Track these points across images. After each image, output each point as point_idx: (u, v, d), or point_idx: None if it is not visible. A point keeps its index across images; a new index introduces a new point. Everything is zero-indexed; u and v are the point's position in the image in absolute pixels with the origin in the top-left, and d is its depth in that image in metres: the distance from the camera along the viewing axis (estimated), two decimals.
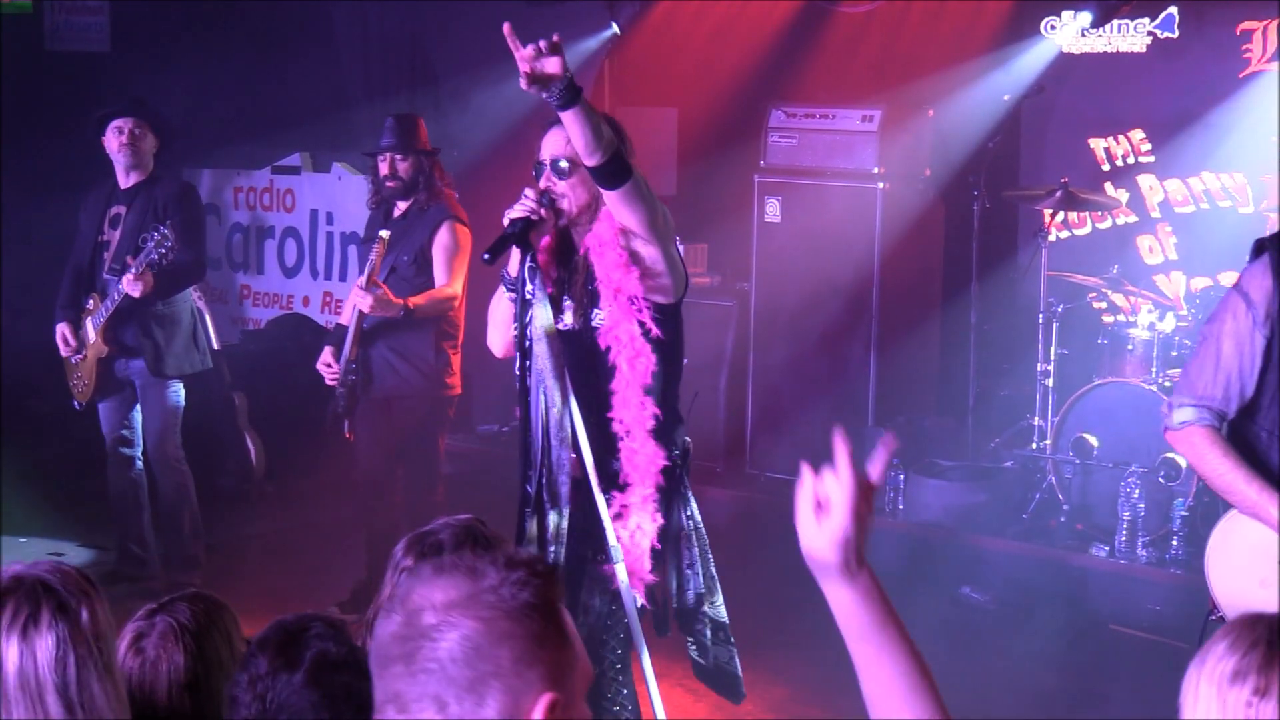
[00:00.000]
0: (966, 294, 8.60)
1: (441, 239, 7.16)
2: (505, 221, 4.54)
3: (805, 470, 2.20)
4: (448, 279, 7.15)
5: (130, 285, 7.12)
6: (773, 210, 8.90)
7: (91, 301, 7.45)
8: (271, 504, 9.15)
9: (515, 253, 4.58)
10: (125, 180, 7.53)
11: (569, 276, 4.75)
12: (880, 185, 8.55)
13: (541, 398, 4.56)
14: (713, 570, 4.90)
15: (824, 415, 8.35)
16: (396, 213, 7.29)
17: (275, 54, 11.29)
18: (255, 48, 11.28)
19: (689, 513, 4.84)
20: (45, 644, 2.53)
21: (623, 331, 4.62)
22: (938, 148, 8.85)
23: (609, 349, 4.63)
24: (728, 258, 9.53)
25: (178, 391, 7.50)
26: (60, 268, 7.74)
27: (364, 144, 11.02)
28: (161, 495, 7.56)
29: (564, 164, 4.67)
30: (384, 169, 7.27)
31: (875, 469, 2.19)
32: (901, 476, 8.17)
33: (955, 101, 8.90)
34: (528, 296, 4.53)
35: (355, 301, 7.00)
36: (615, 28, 9.98)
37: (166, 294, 7.35)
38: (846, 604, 2.15)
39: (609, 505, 4.61)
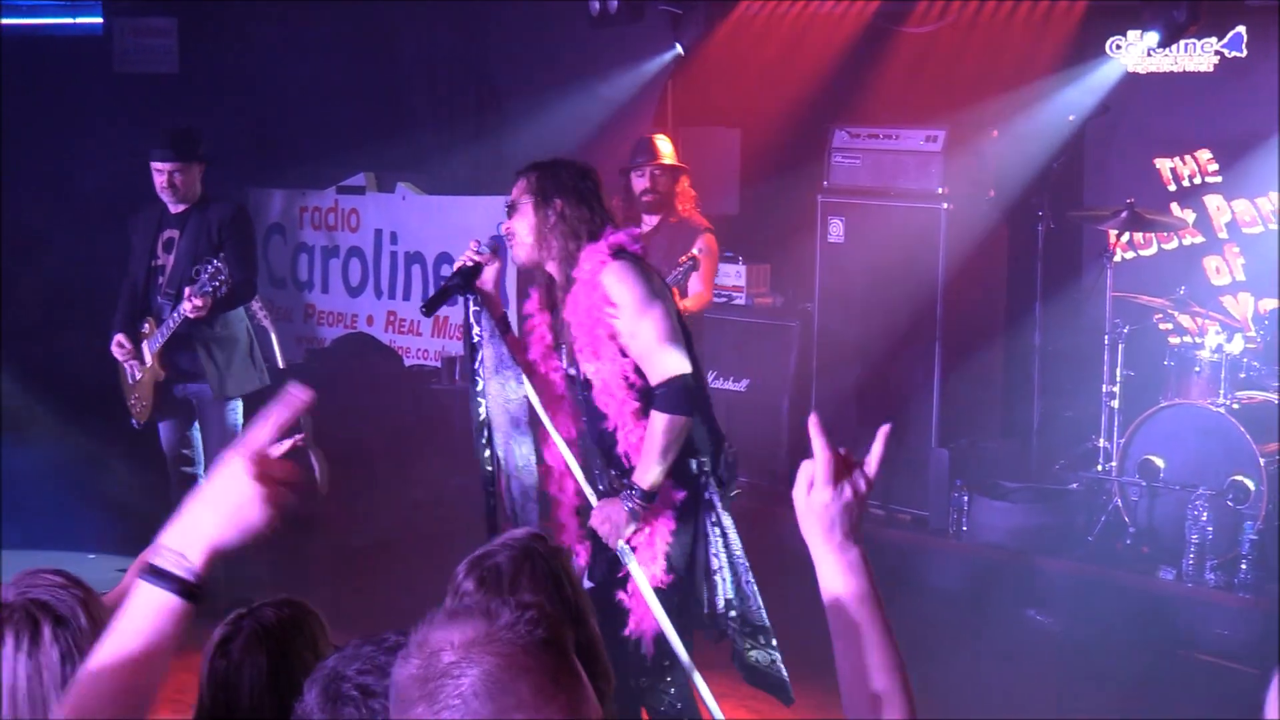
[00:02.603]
0: (1031, 315, 8.55)
1: (704, 255, 7.61)
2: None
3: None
4: (704, 286, 7.71)
5: (189, 310, 7.19)
6: (836, 231, 8.88)
7: (147, 325, 7.50)
8: (335, 522, 9.18)
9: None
10: (175, 206, 7.60)
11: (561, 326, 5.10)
12: (944, 206, 8.51)
13: (500, 442, 5.01)
14: (748, 578, 5.03)
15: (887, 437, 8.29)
16: (646, 228, 7.72)
17: (341, 75, 11.38)
18: (322, 69, 11.36)
19: (714, 519, 4.98)
20: (51, 659, 2.57)
21: (609, 377, 4.91)
22: (1002, 168, 8.80)
23: (598, 392, 4.95)
24: (790, 278, 9.51)
25: (236, 410, 7.56)
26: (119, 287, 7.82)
27: (429, 164, 11.12)
28: None
29: (509, 205, 5.14)
30: (643, 184, 7.78)
31: (872, 462, 2.38)
32: (965, 498, 8.13)
33: (1020, 122, 8.85)
34: (474, 339, 4.94)
35: None
36: (679, 48, 9.99)
37: (220, 311, 7.42)
38: (830, 572, 2.30)
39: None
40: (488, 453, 5.00)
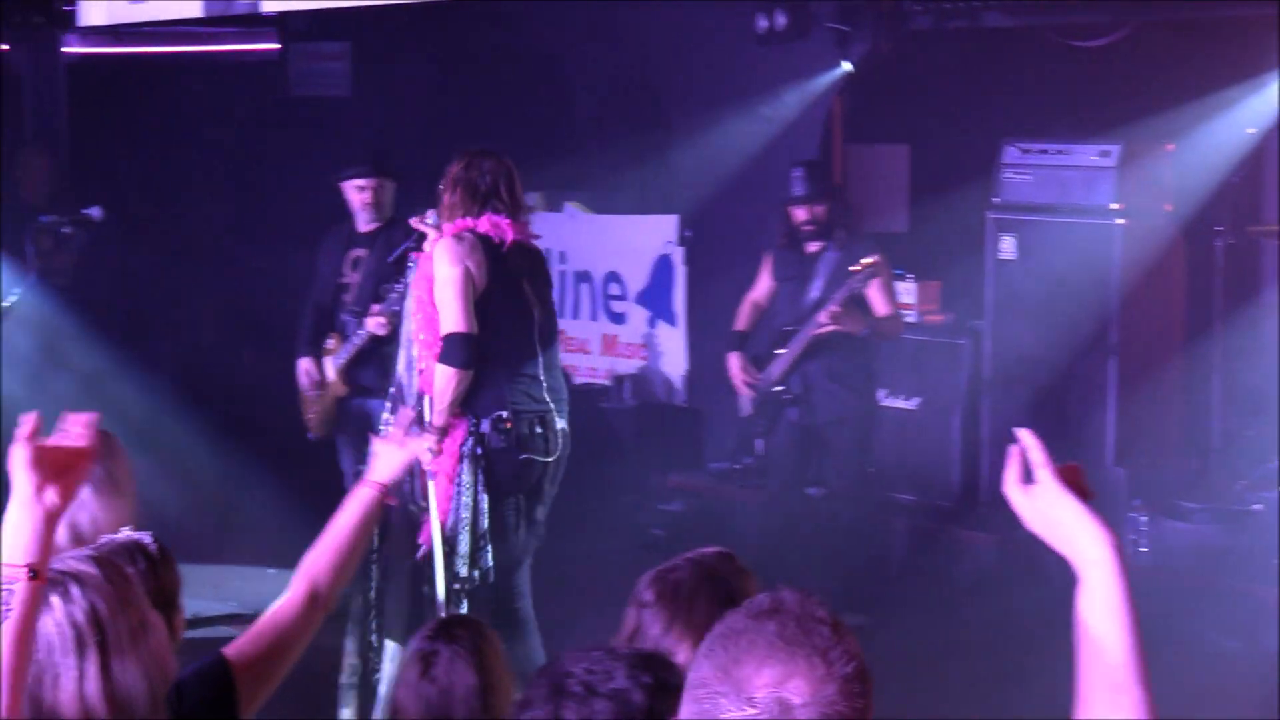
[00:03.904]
0: (1210, 332, 8.40)
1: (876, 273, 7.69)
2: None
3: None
4: (889, 309, 7.82)
5: (375, 326, 7.31)
6: (1007, 247, 8.79)
7: (331, 341, 7.62)
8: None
9: None
10: (364, 225, 7.73)
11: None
12: (1119, 221, 8.39)
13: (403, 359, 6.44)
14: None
15: (1062, 455, 8.14)
16: (813, 248, 7.86)
17: (509, 96, 11.48)
18: (489, 89, 11.48)
19: (462, 473, 6.06)
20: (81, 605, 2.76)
21: (421, 325, 6.21)
22: (1179, 183, 8.64)
23: (415, 335, 6.27)
24: (960, 295, 9.41)
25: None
26: (300, 306, 7.95)
27: (596, 183, 11.18)
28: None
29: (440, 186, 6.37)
30: (802, 215, 7.82)
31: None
32: (1144, 519, 7.98)
33: (1197, 135, 8.68)
34: (406, 280, 6.53)
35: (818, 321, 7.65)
36: (847, 65, 9.94)
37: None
38: (1096, 565, 2.15)
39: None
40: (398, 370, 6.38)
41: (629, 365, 10.65)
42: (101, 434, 3.96)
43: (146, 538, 3.48)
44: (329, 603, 3.58)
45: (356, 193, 7.69)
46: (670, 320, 10.51)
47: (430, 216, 6.32)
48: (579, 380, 10.74)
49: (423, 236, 6.33)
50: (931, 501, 8.88)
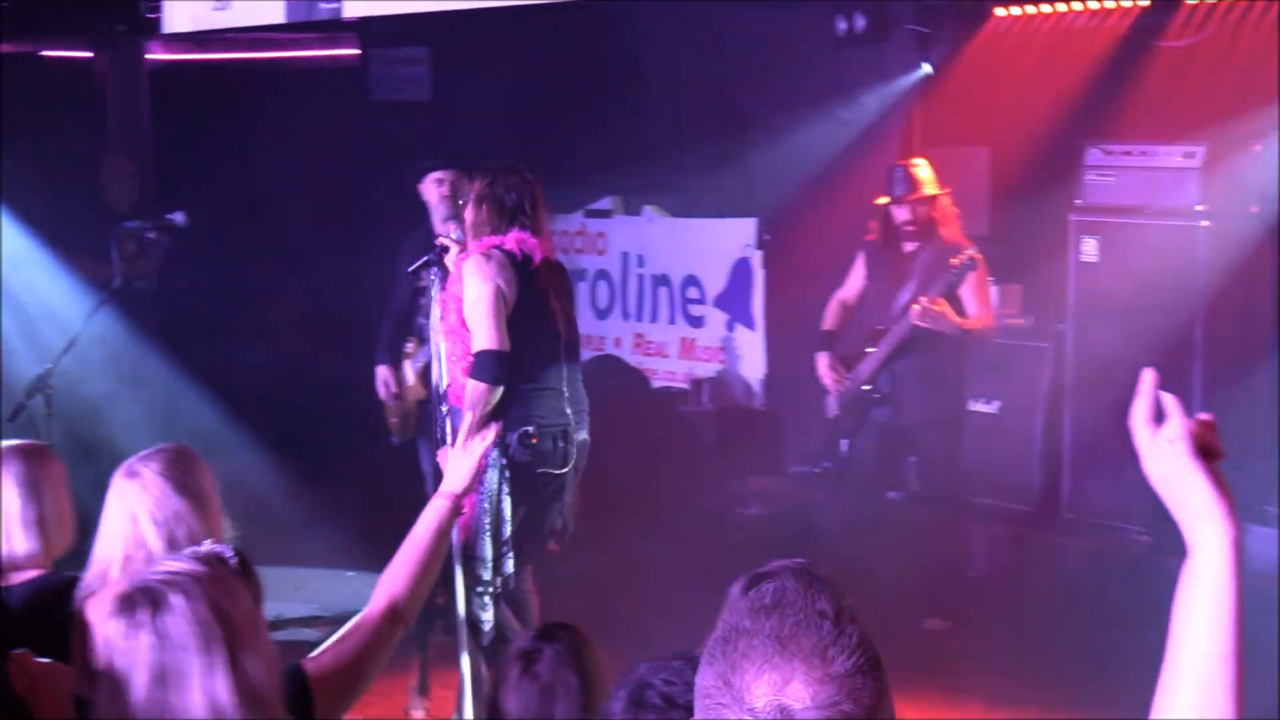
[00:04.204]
0: None
1: (970, 276, 7.67)
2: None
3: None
4: (983, 310, 7.79)
5: None
6: (1090, 250, 8.71)
7: (410, 345, 7.64)
8: (587, 544, 9.23)
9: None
10: (442, 228, 7.73)
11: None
12: (1203, 223, 8.29)
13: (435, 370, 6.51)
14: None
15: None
16: (909, 248, 7.83)
17: (587, 99, 11.50)
18: (568, 93, 11.50)
19: (485, 482, 6.16)
20: (172, 632, 2.72)
21: (452, 342, 6.37)
22: (1266, 184, 8.52)
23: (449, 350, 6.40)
24: (1042, 299, 9.33)
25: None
26: (377, 310, 7.99)
27: (674, 187, 11.17)
28: None
29: (462, 201, 6.61)
30: (904, 215, 7.78)
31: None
32: None
33: None
34: (430, 296, 6.51)
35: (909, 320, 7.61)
36: (927, 67, 9.89)
37: None
38: (1209, 554, 2.04)
39: None
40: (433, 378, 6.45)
41: (707, 369, 10.63)
42: (180, 448, 4.02)
43: (227, 550, 3.51)
44: (409, 615, 3.60)
45: (435, 187, 7.68)
46: (749, 324, 10.49)
47: (454, 231, 6.50)
48: (657, 384, 10.74)
49: (444, 250, 6.45)
50: (1013, 506, 8.81)
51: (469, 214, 6.41)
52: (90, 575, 3.90)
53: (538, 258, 6.36)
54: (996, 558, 8.72)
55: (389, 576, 3.64)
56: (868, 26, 9.31)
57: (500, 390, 6.20)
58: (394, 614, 3.55)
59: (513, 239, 6.32)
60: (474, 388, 6.18)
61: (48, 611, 3.96)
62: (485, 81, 11.56)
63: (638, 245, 11.12)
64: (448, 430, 6.30)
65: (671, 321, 10.96)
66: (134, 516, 3.88)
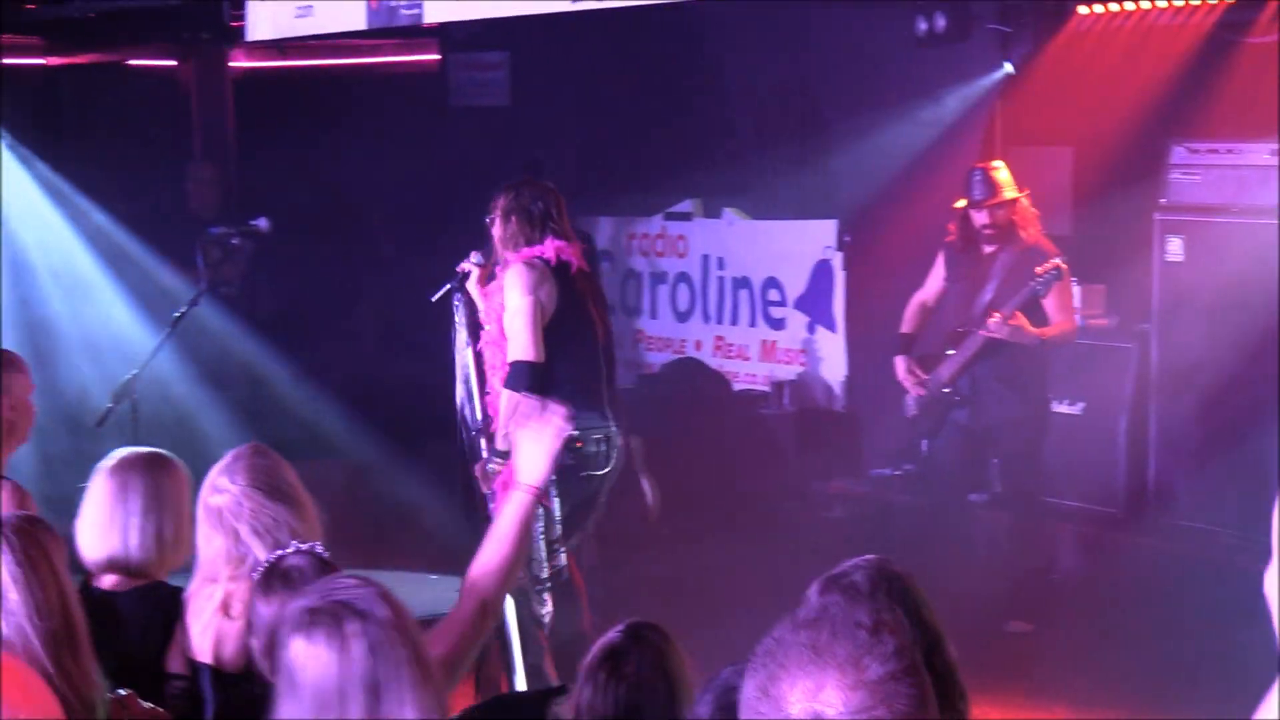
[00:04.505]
0: None
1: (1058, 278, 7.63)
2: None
3: None
4: (1064, 315, 7.73)
5: None
6: (1175, 249, 8.63)
7: None
8: (666, 546, 9.25)
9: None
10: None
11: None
12: None
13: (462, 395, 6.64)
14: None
15: (1232, 462, 8.04)
16: (989, 249, 7.79)
17: (666, 102, 11.50)
18: (647, 96, 11.51)
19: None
20: (356, 654, 2.70)
21: (491, 353, 6.56)
22: None
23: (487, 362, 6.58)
24: (1126, 299, 9.25)
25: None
26: None
27: (754, 189, 11.16)
28: None
29: (488, 219, 6.57)
30: (982, 218, 7.72)
31: None
32: None
33: None
34: (455, 323, 6.64)
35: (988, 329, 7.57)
36: (1008, 67, 9.83)
37: None
38: None
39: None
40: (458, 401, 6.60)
41: (788, 371, 10.61)
42: (256, 448, 4.04)
43: (318, 546, 3.54)
44: (497, 610, 3.63)
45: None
46: (830, 325, 10.46)
47: (475, 257, 6.65)
48: (738, 386, 10.73)
49: (465, 276, 6.64)
50: (1097, 507, 8.73)
51: (497, 230, 6.52)
52: (196, 588, 3.95)
53: (575, 264, 6.51)
54: (1081, 560, 8.66)
55: (476, 572, 3.65)
56: (948, 26, 9.24)
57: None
58: (483, 609, 3.58)
59: (551, 247, 6.46)
60: (508, 397, 6.35)
61: (153, 621, 4.00)
62: (564, 85, 11.59)
63: (718, 248, 11.11)
64: (481, 447, 6.48)
65: (752, 324, 10.95)
66: (234, 532, 3.89)
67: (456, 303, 6.64)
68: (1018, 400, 7.77)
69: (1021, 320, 7.50)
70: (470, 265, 6.65)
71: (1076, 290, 9.14)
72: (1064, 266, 7.58)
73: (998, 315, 7.49)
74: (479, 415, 6.55)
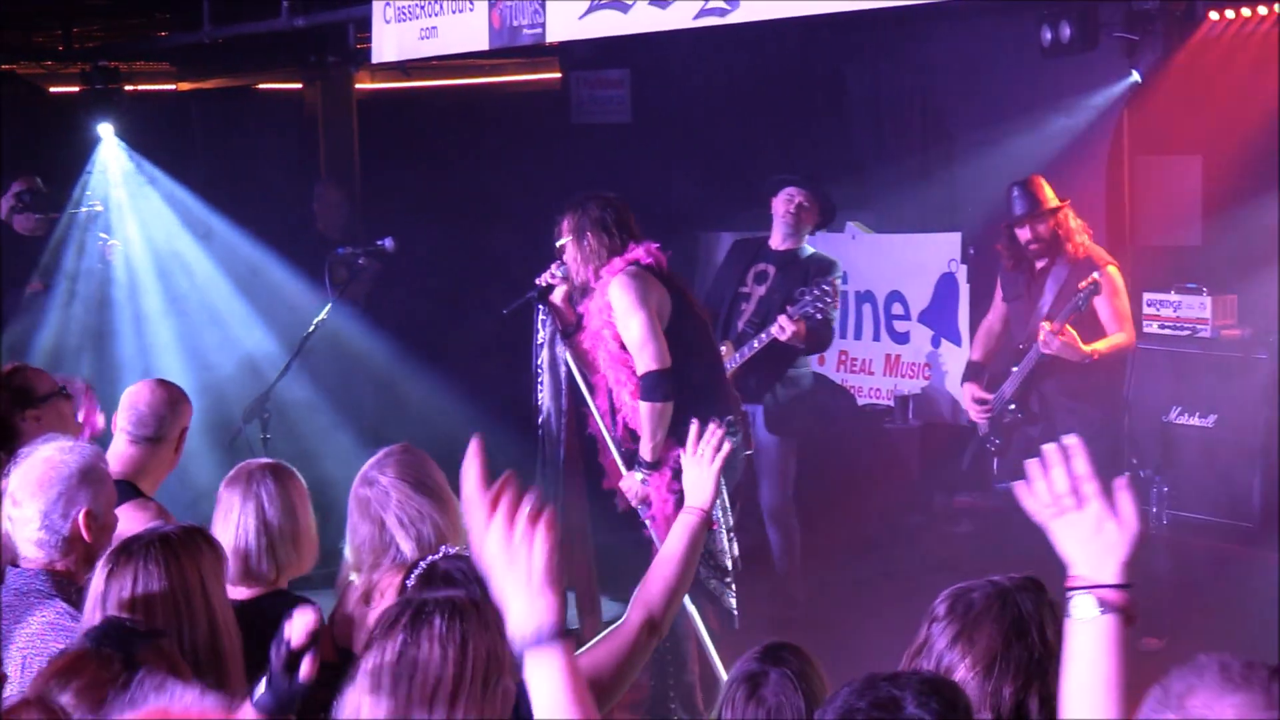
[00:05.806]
0: None
1: (1105, 289, 7.48)
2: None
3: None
4: (1119, 325, 7.55)
5: (781, 330, 7.54)
6: None
7: (724, 348, 7.73)
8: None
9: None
10: (779, 242, 7.91)
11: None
12: None
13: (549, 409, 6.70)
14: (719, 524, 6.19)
15: None
16: (1041, 264, 7.70)
17: (788, 116, 11.48)
18: (767, 111, 11.49)
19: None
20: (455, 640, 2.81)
21: (607, 368, 6.45)
22: None
23: (599, 379, 6.52)
24: (1260, 309, 9.10)
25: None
26: None
27: (878, 203, 11.11)
28: (771, 546, 8.06)
29: (559, 244, 6.52)
30: (1026, 234, 7.67)
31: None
32: None
33: None
34: (539, 340, 6.65)
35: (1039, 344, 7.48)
36: (1136, 75, 9.71)
37: (810, 350, 7.94)
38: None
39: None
40: (540, 419, 6.67)
41: (912, 385, 10.55)
42: (407, 448, 4.19)
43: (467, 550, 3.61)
44: (664, 628, 3.67)
45: (786, 201, 7.90)
46: (954, 339, 10.37)
47: (557, 268, 6.53)
48: (863, 401, 10.67)
49: (547, 290, 6.58)
50: (1230, 521, 8.59)
51: (571, 251, 6.45)
52: (344, 578, 4.08)
53: (664, 263, 6.48)
54: (1214, 574, 8.51)
55: (645, 589, 3.72)
56: (1074, 35, 9.15)
57: (670, 407, 6.28)
58: (650, 626, 3.64)
59: (642, 251, 6.41)
60: (647, 409, 6.28)
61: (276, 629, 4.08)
62: (685, 102, 11.61)
63: (841, 261, 11.03)
64: (616, 458, 6.47)
65: (875, 338, 10.89)
66: (381, 521, 4.05)
67: (544, 317, 6.62)
68: (1089, 412, 7.65)
69: (1070, 336, 7.41)
70: (554, 279, 6.57)
71: (1207, 300, 9.01)
72: (1101, 279, 7.44)
73: (1046, 324, 7.41)
74: (562, 423, 6.60)
